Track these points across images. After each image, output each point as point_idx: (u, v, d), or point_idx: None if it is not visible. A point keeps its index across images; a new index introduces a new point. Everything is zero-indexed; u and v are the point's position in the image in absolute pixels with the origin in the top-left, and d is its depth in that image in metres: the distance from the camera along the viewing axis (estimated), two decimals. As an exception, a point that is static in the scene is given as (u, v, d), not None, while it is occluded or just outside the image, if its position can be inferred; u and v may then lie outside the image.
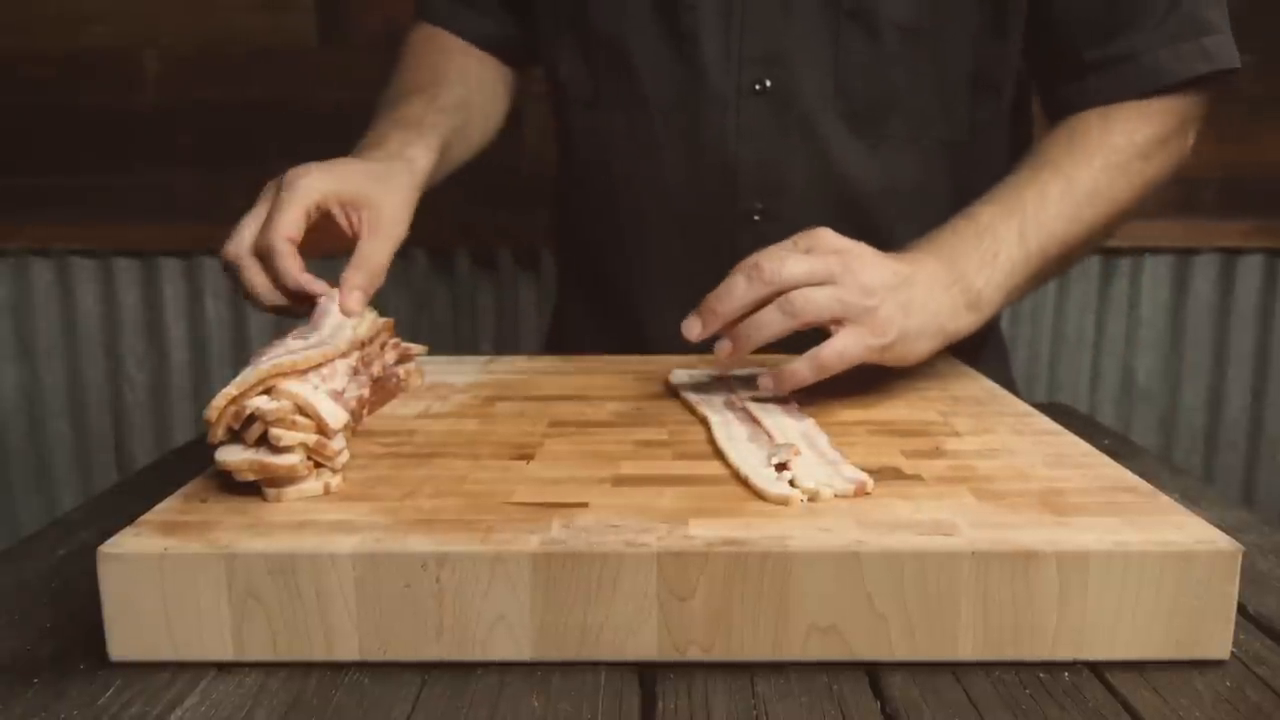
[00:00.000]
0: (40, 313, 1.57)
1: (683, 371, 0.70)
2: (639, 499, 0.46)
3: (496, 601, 0.41)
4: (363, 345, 0.60)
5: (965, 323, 0.65)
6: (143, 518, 0.44)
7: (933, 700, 0.39)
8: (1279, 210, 1.53)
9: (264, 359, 0.50)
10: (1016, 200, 0.69)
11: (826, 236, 0.61)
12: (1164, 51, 0.74)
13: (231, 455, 0.47)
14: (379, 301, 0.67)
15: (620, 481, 0.49)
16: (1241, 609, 0.46)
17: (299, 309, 0.64)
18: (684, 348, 0.80)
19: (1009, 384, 0.91)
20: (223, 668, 0.41)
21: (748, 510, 0.45)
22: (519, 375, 0.73)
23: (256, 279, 0.64)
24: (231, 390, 0.47)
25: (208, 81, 1.50)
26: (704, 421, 0.59)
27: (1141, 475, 0.50)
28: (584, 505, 0.46)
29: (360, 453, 0.54)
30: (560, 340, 0.97)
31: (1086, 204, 0.71)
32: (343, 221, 0.66)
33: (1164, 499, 0.47)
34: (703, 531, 0.42)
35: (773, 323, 0.58)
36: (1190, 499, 0.58)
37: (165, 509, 0.45)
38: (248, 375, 0.48)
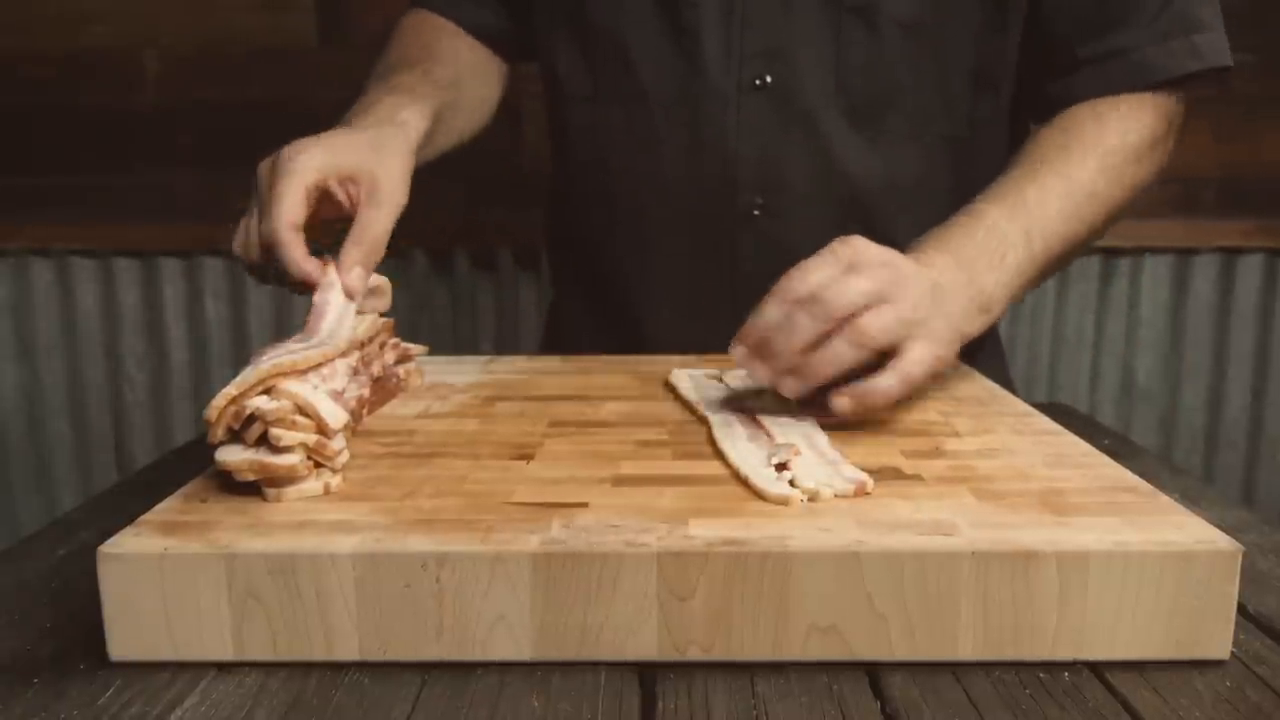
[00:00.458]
0: (40, 313, 1.57)
1: (683, 371, 0.70)
2: (639, 499, 0.46)
3: (496, 601, 0.41)
4: (363, 345, 0.60)
5: (978, 325, 0.64)
6: (143, 518, 0.44)
7: (933, 700, 0.39)
8: (1279, 210, 1.52)
9: (264, 359, 0.50)
10: (1020, 199, 0.69)
11: (866, 249, 0.58)
12: (1154, 48, 0.74)
13: (231, 455, 0.47)
14: (379, 301, 0.67)
15: (620, 481, 0.49)
16: (1241, 609, 0.46)
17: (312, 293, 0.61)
18: (683, 347, 0.80)
19: (1007, 384, 0.91)
20: (223, 668, 0.41)
21: (748, 510, 0.45)
22: (519, 375, 0.73)
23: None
24: (231, 390, 0.47)
25: (208, 81, 1.50)
26: (704, 421, 0.59)
27: (1141, 475, 0.50)
28: (584, 505, 0.46)
29: (360, 453, 0.54)
30: (557, 339, 0.96)
31: (1086, 204, 0.71)
32: (341, 196, 0.63)
33: (1164, 499, 0.47)
34: (703, 531, 0.42)
35: (845, 355, 0.56)
36: (1190, 499, 0.58)
37: (165, 509, 0.45)
38: (248, 375, 0.48)
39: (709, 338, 0.74)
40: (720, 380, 0.67)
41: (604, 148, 0.84)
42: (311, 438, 0.47)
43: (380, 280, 0.65)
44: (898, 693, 0.40)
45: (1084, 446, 0.55)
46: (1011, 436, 0.57)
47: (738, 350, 0.58)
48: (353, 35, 1.49)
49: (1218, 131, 1.51)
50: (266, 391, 0.48)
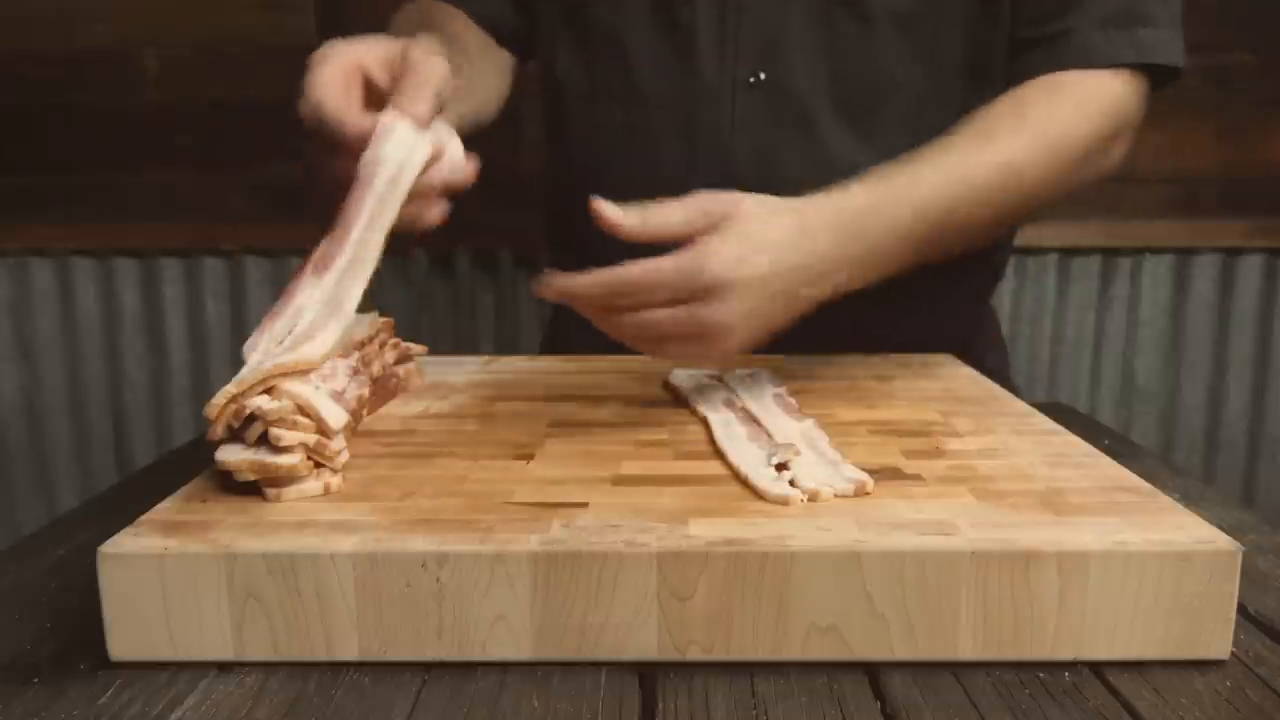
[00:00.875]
0: (40, 313, 1.57)
1: (683, 371, 0.70)
2: (639, 499, 0.46)
3: (496, 601, 0.41)
4: (362, 345, 0.60)
5: (812, 305, 0.61)
6: (143, 518, 0.44)
7: (933, 700, 0.39)
8: (1279, 210, 1.53)
9: (256, 351, 0.50)
10: (946, 168, 0.67)
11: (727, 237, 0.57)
12: (1096, 34, 0.74)
13: (231, 455, 0.47)
14: (379, 302, 0.67)
15: (620, 481, 0.49)
16: (1241, 609, 0.46)
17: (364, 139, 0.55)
18: None
19: (1007, 384, 0.91)
20: (223, 668, 0.41)
21: (748, 510, 0.45)
22: (519, 375, 0.73)
23: (325, 155, 0.58)
24: (232, 388, 0.47)
25: (208, 81, 1.50)
26: (704, 421, 0.59)
27: (1141, 475, 0.50)
28: (584, 505, 0.46)
29: (360, 453, 0.54)
30: (557, 339, 0.96)
31: (1013, 183, 0.69)
32: (382, 79, 0.60)
33: (1164, 499, 0.47)
34: (703, 531, 0.42)
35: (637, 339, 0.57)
36: (1190, 499, 0.58)
37: (165, 509, 0.45)
38: (247, 374, 0.48)
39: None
40: (720, 380, 0.67)
41: (602, 146, 0.84)
42: (311, 438, 0.47)
43: (453, 143, 0.58)
44: (898, 693, 0.40)
45: (1084, 446, 0.55)
46: (1012, 436, 0.57)
47: (614, 214, 0.57)
48: (352, 35, 1.49)
49: (1218, 131, 1.51)
50: (267, 391, 0.48)
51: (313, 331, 0.51)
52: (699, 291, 0.55)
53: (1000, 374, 0.88)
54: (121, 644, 0.41)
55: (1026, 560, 0.40)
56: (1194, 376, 1.58)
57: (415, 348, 0.70)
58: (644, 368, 0.74)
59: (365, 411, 0.59)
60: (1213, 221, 1.53)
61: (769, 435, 0.55)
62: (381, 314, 0.66)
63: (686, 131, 0.81)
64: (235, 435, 0.48)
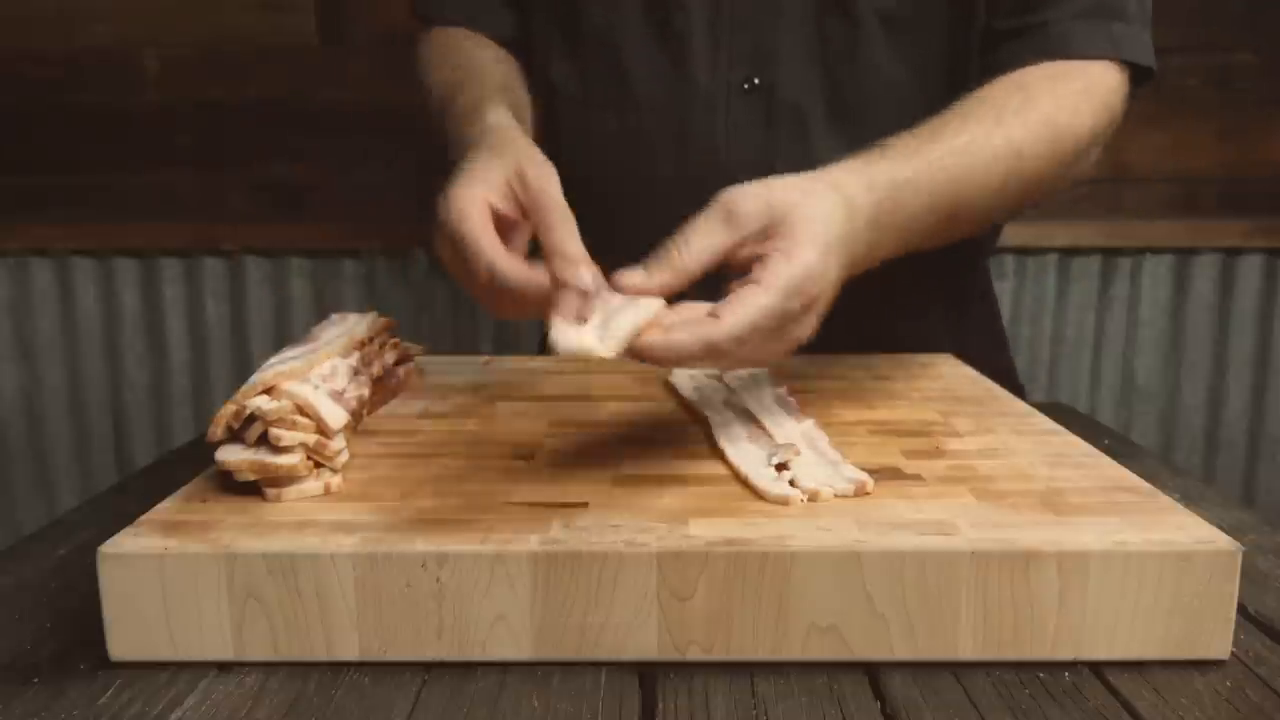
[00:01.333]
0: (40, 313, 1.57)
1: (683, 372, 0.70)
2: (639, 499, 0.46)
3: (496, 601, 0.41)
4: (362, 345, 0.60)
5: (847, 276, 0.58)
6: (143, 518, 0.44)
7: (933, 700, 0.39)
8: (1279, 210, 1.53)
9: (267, 369, 0.50)
10: (930, 147, 0.65)
11: (755, 209, 0.53)
12: (1073, 23, 0.73)
13: (231, 455, 0.47)
14: (379, 301, 0.67)
15: (620, 481, 0.49)
16: (1241, 609, 0.46)
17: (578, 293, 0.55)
18: None
19: (1009, 376, 0.91)
20: (223, 668, 0.41)
21: (748, 510, 0.45)
22: (519, 375, 0.73)
23: (511, 308, 0.59)
24: (237, 398, 0.48)
25: (208, 81, 1.50)
26: (704, 421, 0.59)
27: (1141, 475, 0.50)
28: (584, 505, 0.46)
29: (360, 453, 0.54)
30: None
31: (1015, 170, 0.67)
32: (506, 207, 0.60)
33: (1164, 499, 0.47)
34: (703, 531, 0.42)
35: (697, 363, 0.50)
36: (1190, 499, 0.58)
37: (165, 509, 0.45)
38: (252, 382, 0.48)
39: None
40: (720, 380, 0.67)
41: (596, 151, 0.84)
42: (311, 438, 0.47)
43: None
44: (898, 693, 0.40)
45: (1084, 446, 0.55)
46: (1012, 436, 0.57)
47: (585, 277, 0.51)
48: (353, 35, 1.49)
49: (1219, 131, 1.51)
50: (267, 391, 0.48)
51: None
52: (795, 314, 0.51)
53: (1006, 374, 0.88)
54: (121, 644, 0.41)
55: (1026, 560, 0.40)
56: (1194, 376, 1.58)
57: (415, 348, 0.70)
58: (644, 368, 0.74)
59: (365, 411, 0.59)
60: (1213, 221, 1.53)
61: (769, 435, 0.55)
62: (381, 314, 0.66)
63: (680, 137, 0.82)
64: (235, 435, 0.48)
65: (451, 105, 0.78)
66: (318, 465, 0.48)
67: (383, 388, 0.64)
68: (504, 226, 0.59)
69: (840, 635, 0.41)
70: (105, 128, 1.52)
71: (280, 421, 0.47)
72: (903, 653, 0.41)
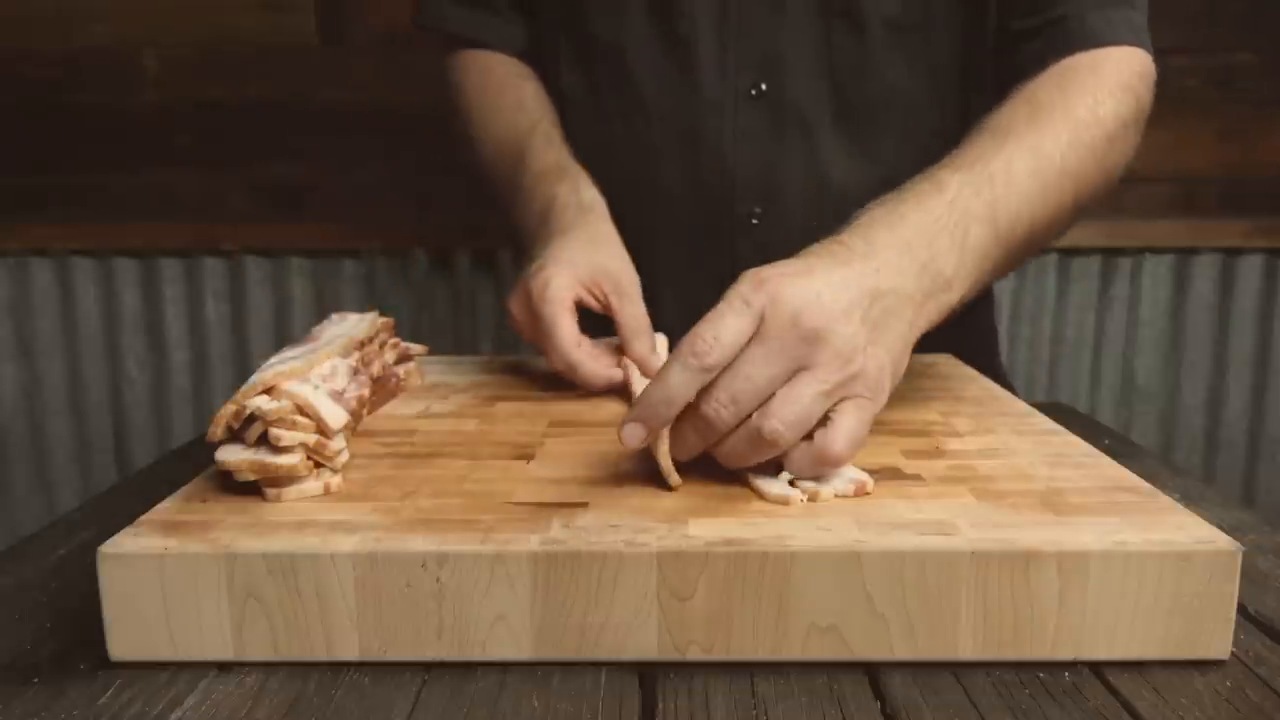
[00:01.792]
0: (40, 313, 1.57)
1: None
2: (639, 499, 0.46)
3: (496, 601, 0.41)
4: (362, 345, 0.60)
5: (932, 316, 0.55)
6: (143, 518, 0.44)
7: (933, 700, 0.39)
8: (1279, 210, 1.53)
9: (267, 369, 0.50)
10: (983, 172, 0.60)
11: (780, 290, 0.47)
12: (1093, 14, 0.72)
13: (231, 455, 0.47)
14: (379, 301, 0.68)
15: (620, 481, 0.49)
16: (1241, 609, 0.46)
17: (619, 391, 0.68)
18: None
19: (998, 376, 0.91)
20: (223, 668, 0.41)
21: (748, 510, 0.45)
22: (519, 375, 0.73)
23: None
24: (236, 399, 0.48)
25: (208, 81, 1.50)
26: (704, 421, 0.59)
27: (1141, 475, 0.50)
28: (584, 505, 0.46)
29: (360, 453, 0.54)
30: None
31: (1055, 182, 0.63)
32: (590, 302, 0.70)
33: (1164, 499, 0.47)
34: (703, 531, 0.42)
35: (756, 453, 0.47)
36: (1190, 499, 0.58)
37: (165, 509, 0.45)
38: (252, 382, 0.48)
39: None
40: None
41: (604, 158, 0.84)
42: (311, 438, 0.47)
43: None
44: (898, 693, 0.40)
45: (1084, 446, 0.55)
46: (1012, 436, 0.57)
47: (633, 433, 0.46)
48: (353, 35, 1.49)
49: (1219, 131, 1.51)
50: (267, 391, 0.48)
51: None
52: (757, 302, 0.47)
53: (995, 372, 0.88)
54: (121, 644, 0.41)
55: (1026, 560, 0.40)
56: (1194, 376, 1.58)
57: (415, 348, 0.70)
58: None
59: (365, 411, 0.59)
60: (1213, 221, 1.53)
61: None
62: (381, 314, 0.66)
63: (687, 144, 0.82)
64: (235, 435, 0.48)
65: (523, 155, 0.82)
66: (318, 465, 0.48)
67: (383, 388, 0.64)
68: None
69: (840, 635, 0.41)
70: (105, 128, 1.52)
71: (280, 421, 0.47)
72: (903, 653, 0.41)
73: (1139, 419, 1.59)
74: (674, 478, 0.48)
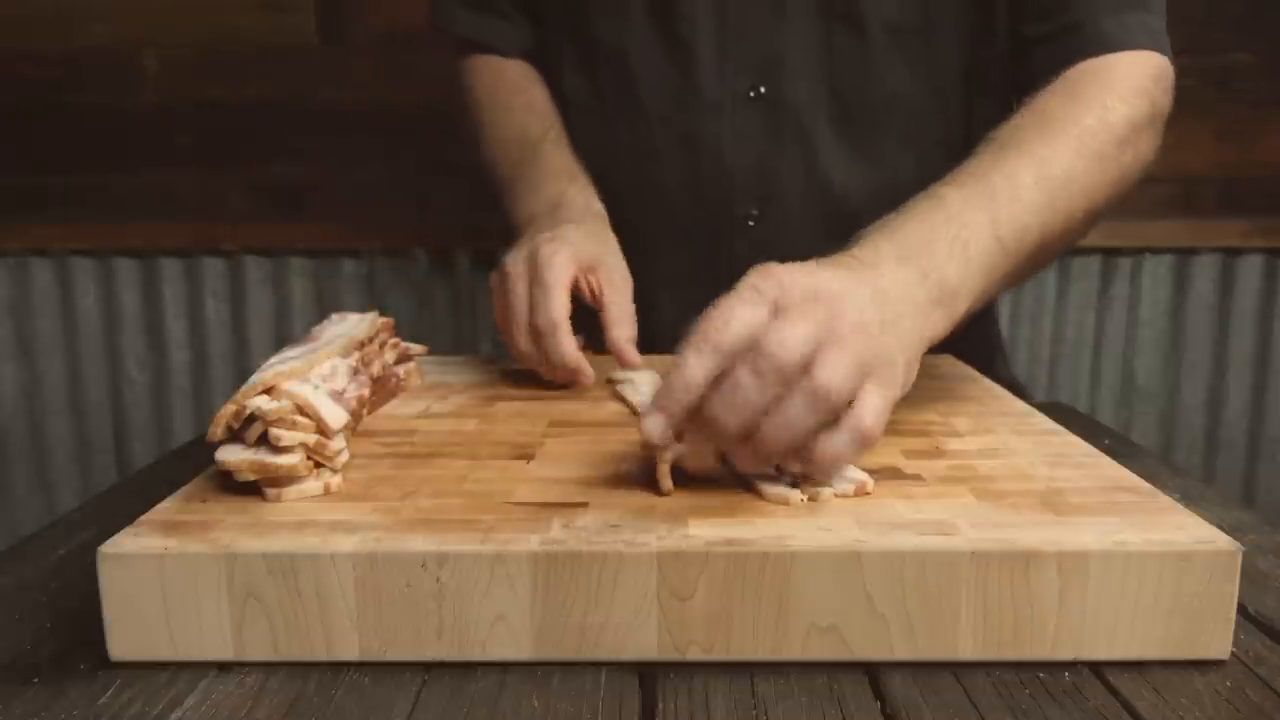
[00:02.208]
0: (40, 313, 1.57)
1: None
2: (639, 499, 0.46)
3: (496, 601, 0.41)
4: (362, 345, 0.60)
5: (940, 325, 0.54)
6: (143, 518, 0.44)
7: (933, 700, 0.39)
8: (1279, 210, 1.53)
9: (267, 369, 0.50)
10: (985, 186, 0.60)
11: (790, 280, 0.47)
12: (1107, 19, 0.72)
13: (231, 455, 0.47)
14: (379, 301, 0.68)
15: (620, 481, 0.49)
16: (1241, 609, 0.46)
17: (567, 382, 0.70)
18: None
19: (1010, 382, 0.91)
20: (223, 668, 0.41)
21: (748, 510, 0.45)
22: (519, 375, 0.73)
23: (544, 365, 0.69)
24: (236, 399, 0.48)
25: (208, 81, 1.50)
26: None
27: (1141, 475, 0.50)
28: (584, 505, 0.46)
29: (360, 453, 0.54)
30: None
31: (1062, 192, 0.62)
32: (583, 286, 0.71)
33: (1164, 499, 0.47)
34: (703, 531, 0.42)
35: (804, 419, 0.44)
36: (1190, 499, 0.58)
37: (165, 509, 0.45)
38: (252, 382, 0.48)
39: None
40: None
41: (606, 159, 0.85)
42: (311, 438, 0.47)
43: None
44: (898, 693, 0.40)
45: (1084, 446, 0.55)
46: (1012, 436, 0.57)
47: (655, 424, 0.45)
48: (353, 35, 1.49)
49: (1218, 132, 1.50)
50: (267, 391, 0.48)
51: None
52: (769, 290, 0.46)
53: (1001, 373, 0.88)
54: (121, 644, 0.41)
55: (1026, 560, 0.40)
56: (1194, 376, 1.58)
57: (415, 348, 0.70)
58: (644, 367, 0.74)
59: (365, 411, 0.59)
60: (1212, 221, 1.53)
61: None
62: (381, 314, 0.66)
63: (687, 145, 0.82)
64: (235, 435, 0.48)
65: (533, 157, 0.84)
66: (318, 465, 0.48)
67: (383, 388, 0.64)
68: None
69: (840, 635, 0.41)
70: (105, 128, 1.52)
71: (280, 421, 0.47)
72: (903, 653, 0.41)
73: (1139, 419, 1.59)
74: (666, 483, 0.47)
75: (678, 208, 0.84)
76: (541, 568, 0.40)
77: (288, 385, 0.48)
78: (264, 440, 0.47)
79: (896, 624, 0.41)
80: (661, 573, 0.40)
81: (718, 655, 0.41)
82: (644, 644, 0.41)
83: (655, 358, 0.78)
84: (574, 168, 0.82)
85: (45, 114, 1.52)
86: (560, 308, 0.67)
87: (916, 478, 0.50)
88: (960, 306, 0.55)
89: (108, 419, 1.59)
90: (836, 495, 0.47)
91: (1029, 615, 0.41)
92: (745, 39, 0.80)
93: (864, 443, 0.45)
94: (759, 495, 0.47)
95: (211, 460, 0.47)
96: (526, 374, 0.74)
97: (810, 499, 0.46)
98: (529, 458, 0.53)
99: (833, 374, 0.44)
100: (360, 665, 0.41)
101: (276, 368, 0.50)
